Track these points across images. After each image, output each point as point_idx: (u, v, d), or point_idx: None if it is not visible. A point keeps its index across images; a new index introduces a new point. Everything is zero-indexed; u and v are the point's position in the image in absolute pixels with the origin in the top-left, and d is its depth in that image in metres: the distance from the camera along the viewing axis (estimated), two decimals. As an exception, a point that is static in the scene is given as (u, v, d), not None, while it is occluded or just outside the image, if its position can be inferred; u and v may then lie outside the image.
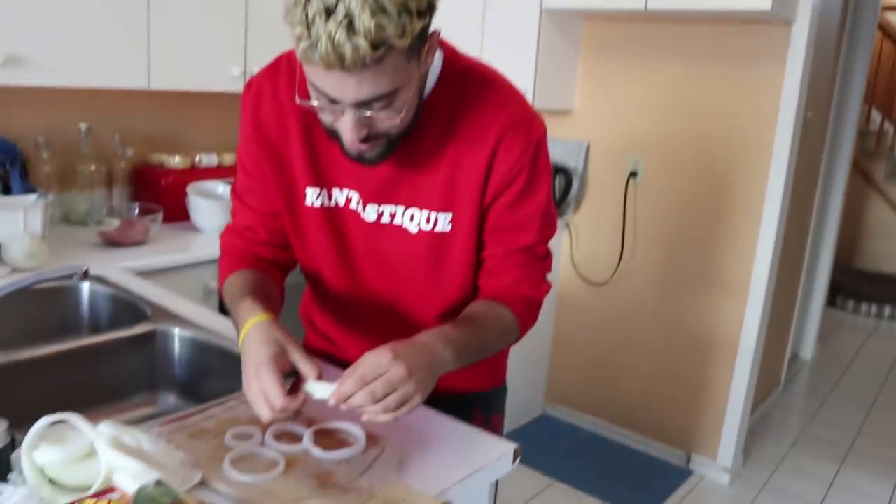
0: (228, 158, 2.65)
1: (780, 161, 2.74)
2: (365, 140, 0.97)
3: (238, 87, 2.44)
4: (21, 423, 0.93)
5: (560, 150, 3.22)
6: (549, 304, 3.34)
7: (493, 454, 1.05)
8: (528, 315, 1.18)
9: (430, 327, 1.16)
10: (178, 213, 2.40)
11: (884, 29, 6.04)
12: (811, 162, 3.59)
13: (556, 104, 3.13)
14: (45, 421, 0.87)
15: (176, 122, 2.69)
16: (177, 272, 2.06)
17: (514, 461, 1.07)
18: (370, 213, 1.13)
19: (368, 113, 0.93)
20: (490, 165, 1.07)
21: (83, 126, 2.34)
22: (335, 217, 1.16)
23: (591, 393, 3.34)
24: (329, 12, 0.83)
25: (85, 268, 1.34)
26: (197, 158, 2.55)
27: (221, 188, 2.47)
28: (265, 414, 0.94)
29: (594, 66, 3.13)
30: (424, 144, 1.07)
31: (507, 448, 1.07)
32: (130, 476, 0.84)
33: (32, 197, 1.97)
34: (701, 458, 3.06)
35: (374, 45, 0.84)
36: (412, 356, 0.93)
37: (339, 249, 1.19)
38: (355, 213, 1.14)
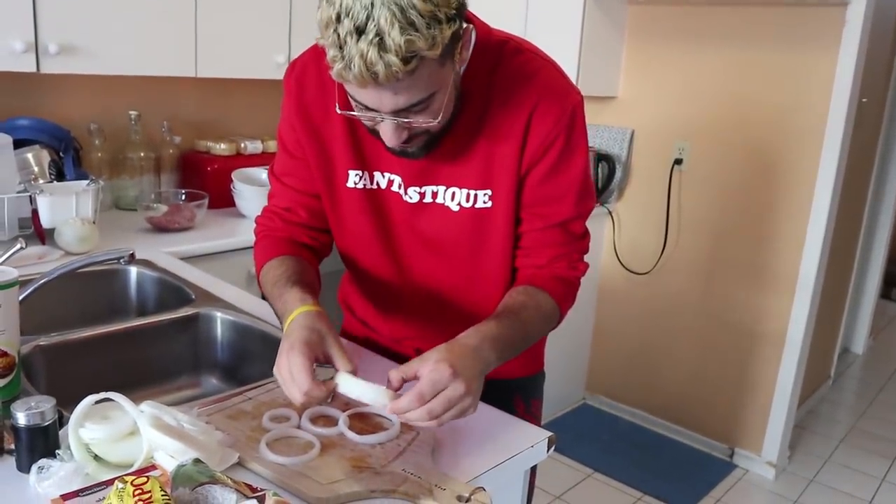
0: (273, 145, 2.68)
1: (832, 148, 2.66)
2: (406, 141, 0.99)
3: (282, 74, 2.45)
4: (69, 402, 0.97)
5: (604, 137, 3.18)
6: (590, 292, 3.32)
7: (528, 441, 1.05)
8: (566, 297, 1.17)
9: (470, 310, 1.17)
10: (223, 199, 2.44)
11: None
12: (865, 148, 3.48)
13: (601, 90, 3.09)
14: (90, 399, 0.90)
15: (222, 110, 2.73)
16: (221, 257, 2.10)
17: (548, 449, 1.07)
18: (412, 195, 1.14)
19: (407, 119, 0.94)
20: (525, 134, 1.07)
21: (133, 114, 2.39)
22: (376, 199, 1.17)
23: (633, 383, 3.31)
24: (360, 32, 0.84)
25: (131, 251, 1.37)
26: (242, 145, 2.59)
27: (265, 175, 2.50)
28: (292, 395, 0.96)
29: (639, 51, 3.08)
30: (463, 123, 1.08)
31: (541, 435, 1.07)
32: (170, 454, 0.86)
33: (84, 183, 2.03)
34: (745, 452, 3.01)
35: (406, 60, 0.85)
36: (468, 368, 0.93)
37: (379, 231, 1.19)
38: (397, 195, 1.15)
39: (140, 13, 2.11)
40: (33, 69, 1.93)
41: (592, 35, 2.89)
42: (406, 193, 1.14)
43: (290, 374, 0.95)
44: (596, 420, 3.32)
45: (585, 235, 1.19)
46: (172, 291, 1.64)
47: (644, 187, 3.15)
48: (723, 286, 2.99)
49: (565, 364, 3.29)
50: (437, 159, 1.10)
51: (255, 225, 1.29)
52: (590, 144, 3.12)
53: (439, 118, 0.97)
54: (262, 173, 2.50)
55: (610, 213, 3.22)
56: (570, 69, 2.82)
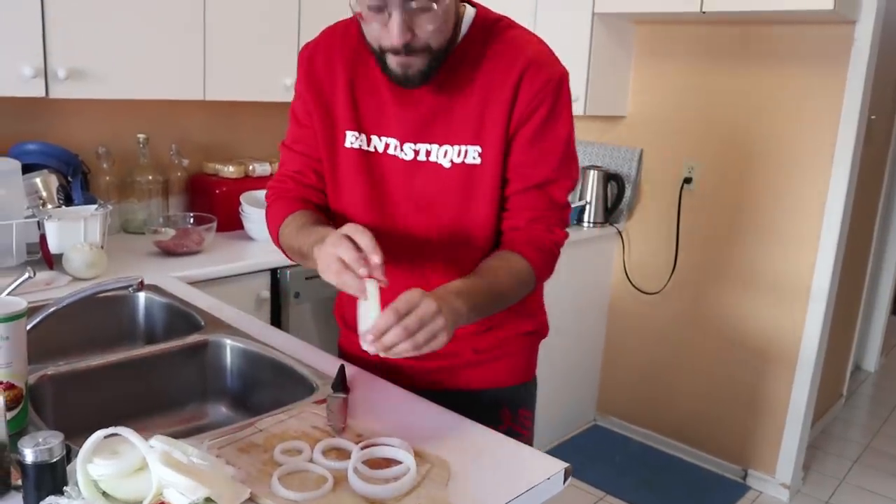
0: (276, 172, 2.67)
1: (842, 165, 2.65)
2: (409, 50, 1.07)
3: (290, 97, 2.45)
4: (76, 431, 0.95)
5: (613, 156, 3.17)
6: (600, 312, 3.30)
7: (544, 473, 1.03)
8: (542, 261, 1.22)
9: (457, 267, 1.24)
10: (231, 222, 2.43)
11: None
12: (875, 166, 3.46)
13: (609, 110, 3.08)
14: (99, 435, 0.88)
15: (230, 132, 2.73)
16: (230, 281, 2.08)
17: (564, 481, 1.05)
18: (408, 153, 1.22)
19: (413, 5, 1.03)
20: (515, 94, 1.16)
21: (141, 137, 2.40)
22: (372, 161, 1.25)
23: (644, 404, 3.28)
24: None
25: (140, 279, 1.36)
26: (250, 167, 2.58)
27: (267, 201, 2.49)
28: (331, 267, 1.00)
29: (647, 70, 3.07)
30: (457, 83, 1.18)
31: (557, 467, 1.05)
32: (180, 492, 0.84)
33: (92, 207, 2.02)
34: (758, 473, 2.97)
35: None
36: (438, 297, 1.00)
37: (372, 191, 1.26)
38: (392, 157, 1.23)
39: (148, 37, 2.11)
40: (42, 94, 1.93)
41: (600, 55, 2.89)
42: (402, 151, 1.22)
43: (330, 256, 1.01)
44: (607, 441, 3.29)
45: (566, 206, 1.25)
46: (181, 317, 1.63)
47: (654, 206, 3.13)
48: (734, 305, 2.97)
49: (575, 384, 3.26)
50: (433, 114, 1.19)
51: (266, 191, 1.38)
52: (599, 164, 3.14)
53: (440, 24, 1.06)
54: (270, 196, 2.49)
55: (620, 232, 3.20)
56: (577, 89, 2.84)
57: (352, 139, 1.25)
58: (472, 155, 1.19)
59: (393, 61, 1.10)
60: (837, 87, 2.63)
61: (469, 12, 1.21)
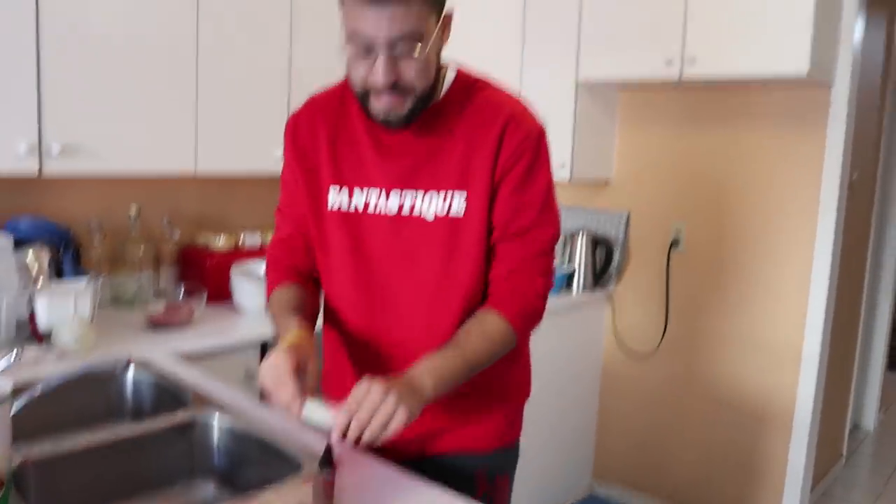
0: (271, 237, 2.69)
1: (826, 224, 2.68)
2: (394, 90, 1.13)
3: (280, 168, 2.50)
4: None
5: (600, 221, 3.20)
6: (593, 377, 3.28)
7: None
8: (521, 316, 1.24)
9: (440, 321, 1.27)
10: (222, 294, 2.44)
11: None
12: (860, 222, 3.51)
13: (595, 174, 3.13)
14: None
15: (221, 204, 2.76)
16: (220, 355, 2.07)
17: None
18: (392, 204, 1.26)
19: (398, 51, 1.10)
20: (500, 142, 1.21)
21: (133, 210, 2.42)
22: (354, 222, 1.29)
23: (641, 470, 3.23)
24: None
25: (128, 358, 1.36)
26: (241, 239, 2.60)
27: (264, 269, 2.50)
28: (267, 384, 1.11)
29: (631, 135, 3.14)
30: (440, 132, 1.23)
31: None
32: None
33: (83, 281, 2.03)
34: (760, 537, 2.91)
35: None
36: (390, 382, 1.07)
37: (356, 252, 1.29)
38: (375, 216, 1.27)
39: (142, 113, 2.16)
40: (35, 171, 1.96)
41: (585, 121, 2.95)
42: (387, 200, 1.26)
43: (275, 368, 1.11)
44: (605, 507, 3.22)
45: (548, 254, 1.28)
46: (169, 394, 1.62)
47: (642, 269, 3.16)
48: (727, 366, 2.96)
49: (570, 450, 3.21)
50: (417, 162, 1.24)
51: (266, 255, 1.47)
52: (587, 227, 3.17)
53: (424, 65, 1.13)
54: (261, 267, 2.50)
55: (609, 297, 3.22)
56: (563, 155, 2.89)
57: (334, 196, 1.30)
58: (458, 202, 1.22)
59: (377, 102, 1.15)
60: (818, 148, 2.68)
61: (451, 70, 1.28)
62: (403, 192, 1.25)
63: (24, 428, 1.16)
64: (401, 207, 1.25)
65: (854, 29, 2.59)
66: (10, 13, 1.88)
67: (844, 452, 3.81)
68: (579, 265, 3.10)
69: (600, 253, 3.11)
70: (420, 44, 1.11)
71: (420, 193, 1.24)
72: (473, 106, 1.24)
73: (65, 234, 2.19)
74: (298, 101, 2.49)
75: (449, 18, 1.18)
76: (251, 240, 2.62)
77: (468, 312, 1.26)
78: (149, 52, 2.15)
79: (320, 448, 1.22)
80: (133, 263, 2.45)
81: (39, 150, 1.96)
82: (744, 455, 2.93)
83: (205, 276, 2.47)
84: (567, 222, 3.23)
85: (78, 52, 2.01)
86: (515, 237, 1.24)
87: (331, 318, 1.40)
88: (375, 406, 1.03)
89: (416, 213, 1.24)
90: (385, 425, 1.03)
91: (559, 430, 3.08)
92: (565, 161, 2.90)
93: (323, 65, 2.45)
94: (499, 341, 1.22)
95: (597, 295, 3.15)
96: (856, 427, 4.20)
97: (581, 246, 3.09)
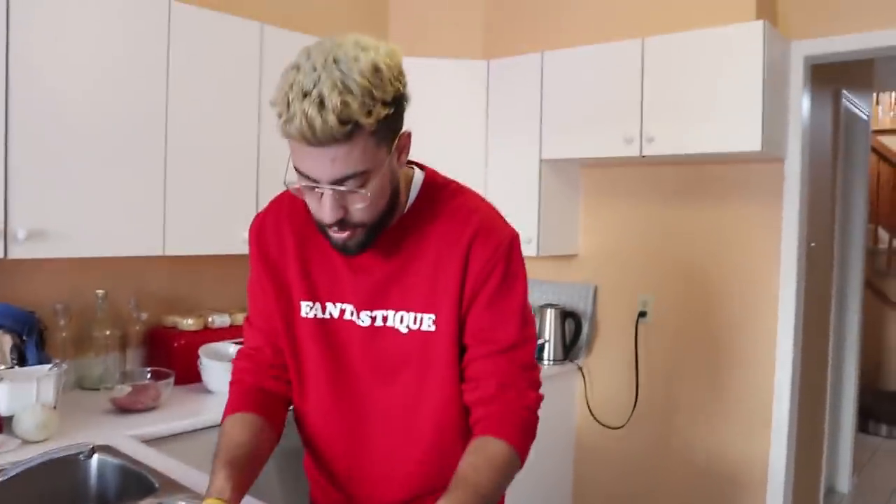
0: (240, 318, 2.68)
1: (788, 291, 2.75)
2: (343, 226, 1.09)
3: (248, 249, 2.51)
4: None
5: (567, 294, 3.25)
6: (567, 449, 3.26)
7: None
8: (521, 435, 1.18)
9: (419, 431, 1.22)
10: (190, 375, 2.41)
11: (878, 152, 6.20)
12: (821, 287, 3.59)
13: (561, 249, 3.19)
14: None
15: (190, 285, 2.76)
16: (187, 437, 2.04)
17: None
18: (364, 320, 1.22)
19: (343, 188, 1.04)
20: (466, 264, 1.17)
21: (100, 293, 2.40)
22: (329, 328, 1.24)
23: (619, 541, 3.18)
24: (305, 94, 0.97)
25: (91, 446, 1.34)
26: (210, 319, 2.59)
27: (232, 348, 2.48)
28: None
29: (595, 209, 3.22)
30: (409, 249, 1.19)
31: None
32: None
33: (46, 368, 2.00)
34: None
35: (342, 121, 0.97)
36: None
37: (331, 360, 1.25)
38: (349, 322, 1.23)
39: (110, 196, 2.16)
40: (1, 255, 1.94)
41: (549, 196, 3.03)
42: (359, 318, 1.22)
43: None
44: (584, 584, 3.16)
45: (534, 367, 1.23)
46: (135, 479, 1.58)
47: (611, 341, 3.19)
48: (699, 434, 2.97)
49: (547, 525, 3.16)
50: (387, 281, 1.20)
51: (231, 367, 1.37)
52: (555, 302, 3.20)
53: (373, 200, 1.07)
54: (229, 347, 2.49)
55: (580, 368, 3.23)
56: (529, 231, 2.95)
57: (306, 309, 1.25)
58: (427, 323, 1.19)
59: (331, 233, 1.11)
60: (775, 219, 2.77)
61: (417, 177, 1.23)
62: (374, 311, 1.21)
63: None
64: (373, 320, 1.22)
65: (802, 105, 2.72)
66: (-21, 101, 1.90)
67: (820, 518, 3.79)
68: (549, 338, 3.11)
69: (569, 325, 3.14)
70: (369, 181, 1.05)
71: (391, 312, 1.21)
72: (442, 218, 1.20)
73: (29, 318, 2.17)
74: (267, 182, 2.57)
75: (406, 138, 1.11)
76: (220, 320, 2.61)
77: (445, 423, 1.23)
78: (117, 135, 2.18)
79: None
80: (99, 346, 2.41)
81: (4, 235, 1.95)
82: (720, 525, 2.91)
83: (172, 358, 2.44)
84: (535, 295, 3.26)
85: (45, 137, 2.03)
86: (499, 354, 1.18)
87: (308, 434, 1.34)
88: None
89: (389, 324, 1.21)
90: None
91: (534, 502, 3.04)
92: (532, 236, 2.96)
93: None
94: (507, 469, 1.15)
95: (567, 367, 3.16)
96: (830, 490, 4.19)
97: (550, 319, 3.12)
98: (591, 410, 3.23)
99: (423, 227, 1.19)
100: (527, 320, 1.22)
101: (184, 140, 2.34)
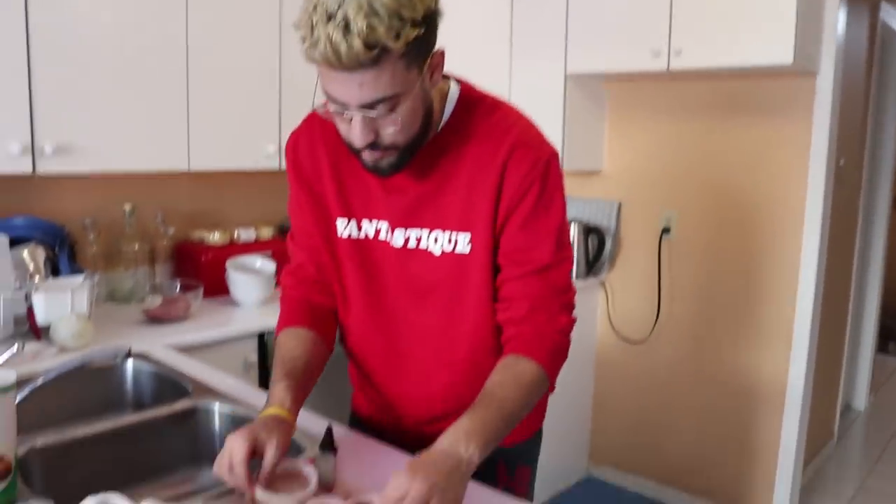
0: (266, 232, 2.72)
1: (814, 209, 2.72)
2: (374, 148, 1.06)
3: (273, 164, 2.53)
4: (68, 501, 0.96)
5: (591, 210, 3.24)
6: (588, 363, 3.32)
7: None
8: (551, 356, 1.17)
9: (451, 351, 1.23)
10: (218, 288, 2.46)
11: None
12: (848, 206, 3.55)
13: (586, 165, 3.16)
14: (88, 501, 0.90)
15: (215, 200, 2.78)
16: (217, 347, 2.10)
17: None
18: (398, 239, 1.21)
19: (373, 114, 1.00)
20: (500, 183, 1.13)
21: (127, 207, 2.43)
22: (364, 248, 1.25)
23: (636, 453, 3.27)
24: (329, 17, 0.93)
25: (127, 349, 1.38)
26: (236, 234, 2.62)
27: (259, 262, 2.53)
28: (218, 466, 1.02)
29: (620, 125, 3.17)
30: (444, 167, 1.16)
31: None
32: (171, 556, 0.85)
33: (79, 278, 2.05)
34: (754, 517, 2.95)
35: (368, 45, 0.93)
36: (431, 469, 0.95)
37: (368, 279, 1.26)
38: (384, 243, 1.22)
39: (134, 111, 2.17)
40: (29, 170, 1.97)
41: (574, 112, 2.98)
42: (393, 237, 1.21)
43: (228, 451, 1.02)
44: (601, 492, 3.26)
45: (568, 289, 1.20)
46: (169, 384, 1.64)
47: (634, 257, 3.19)
48: (719, 350, 3.00)
49: (567, 436, 3.25)
50: (421, 199, 1.17)
51: (280, 281, 1.39)
52: (578, 218, 3.20)
53: (404, 123, 1.03)
54: (256, 261, 2.53)
55: (603, 284, 3.25)
56: (554, 146, 2.91)
57: (342, 227, 1.25)
58: (462, 243, 1.17)
59: (363, 155, 1.09)
60: (804, 135, 2.72)
61: (453, 91, 1.18)
62: (408, 230, 1.20)
63: (26, 419, 1.18)
64: (407, 240, 1.20)
65: (837, 18, 2.62)
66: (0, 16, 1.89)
67: (836, 432, 3.86)
68: (573, 254, 3.12)
69: (593, 241, 3.14)
70: (400, 104, 1.01)
71: (425, 231, 1.19)
72: (478, 136, 1.15)
73: (60, 232, 2.21)
74: (289, 98, 2.56)
75: (440, 56, 1.06)
76: (245, 235, 2.64)
77: (479, 344, 1.23)
78: (139, 50, 2.17)
79: (320, 431, 1.25)
80: (128, 260, 2.46)
81: (32, 150, 1.97)
82: (738, 435, 2.97)
83: (200, 272, 2.49)
84: (558, 212, 3.25)
85: (68, 54, 2.03)
86: (532, 275, 1.16)
87: (350, 347, 1.38)
88: (416, 500, 0.91)
89: (422, 246, 1.20)
90: None
91: (555, 416, 3.09)
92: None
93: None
94: (536, 387, 1.15)
95: (590, 282, 3.18)
96: (847, 408, 4.25)
97: (574, 235, 3.12)
98: (612, 325, 3.26)
99: (459, 145, 1.16)
100: (563, 242, 1.18)
101: (205, 56, 2.32)
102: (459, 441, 1.01)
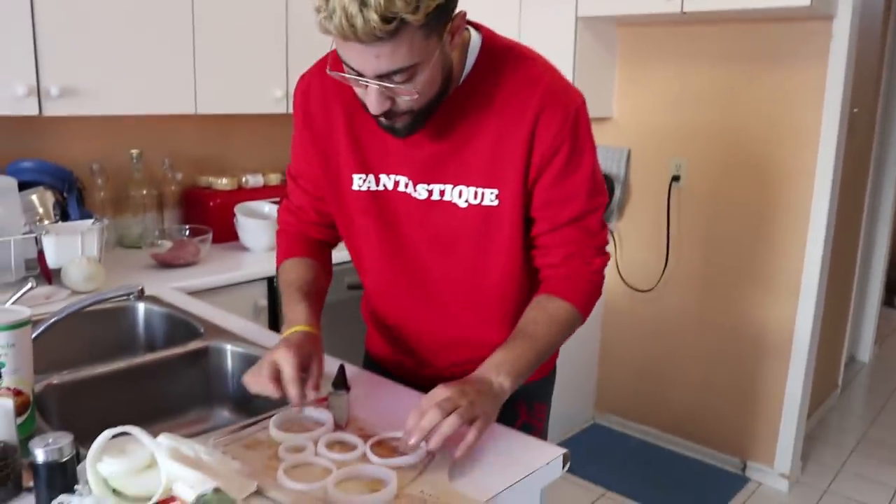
0: (274, 178, 2.71)
1: (826, 158, 2.69)
2: (390, 115, 1.03)
3: (280, 108, 2.50)
4: (82, 438, 0.97)
5: (601, 157, 3.21)
6: (595, 312, 3.30)
7: (542, 459, 1.05)
8: (583, 295, 1.19)
9: (477, 302, 1.24)
10: (226, 234, 2.46)
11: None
12: (860, 157, 3.51)
13: (595, 111, 3.09)
14: (107, 434, 0.91)
15: (222, 145, 2.76)
16: (227, 291, 2.11)
17: (563, 467, 1.07)
18: (420, 193, 1.18)
19: (390, 85, 0.97)
20: (531, 141, 1.10)
21: (134, 152, 2.42)
22: (383, 200, 1.21)
23: (642, 401, 3.30)
24: None
25: (140, 287, 1.39)
26: (243, 179, 2.61)
27: (268, 208, 2.52)
28: (260, 384, 1.05)
29: (631, 71, 3.12)
30: (467, 122, 1.12)
31: (556, 453, 1.07)
32: (189, 485, 0.86)
33: (89, 222, 2.05)
34: (757, 465, 2.99)
35: (385, 19, 0.89)
36: (464, 385, 1.01)
37: (387, 231, 1.23)
38: (405, 194, 1.19)
39: (139, 53, 2.14)
40: (35, 112, 1.95)
41: (584, 57, 2.93)
42: (415, 191, 1.18)
43: (277, 363, 1.05)
44: (606, 439, 3.31)
45: (601, 231, 1.20)
46: (181, 326, 1.65)
47: (643, 205, 3.17)
48: (726, 299, 3.00)
49: (573, 384, 3.28)
50: (443, 154, 1.14)
51: (277, 216, 1.41)
52: (587, 164, 3.17)
53: (422, 91, 1.00)
54: (264, 206, 2.52)
55: (611, 232, 3.24)
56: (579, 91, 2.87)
57: (359, 182, 1.21)
58: (489, 198, 1.14)
59: (378, 117, 1.06)
60: (818, 82, 2.67)
61: (474, 41, 1.13)
62: (430, 185, 1.17)
63: (43, 359, 1.19)
64: (430, 193, 1.17)
65: (857, -42, 2.56)
66: (4, -49, 1.85)
67: (840, 383, 3.89)
68: (580, 202, 3.11)
69: (601, 190, 3.12)
70: (417, 74, 0.98)
71: (448, 186, 1.16)
72: (503, 89, 1.11)
73: (69, 176, 2.20)
74: (296, 41, 2.52)
75: (461, 19, 1.02)
76: (253, 180, 2.63)
77: (509, 293, 1.23)
78: (144, -10, 2.13)
79: (332, 370, 1.25)
80: (136, 206, 2.46)
81: (38, 92, 1.95)
82: (743, 385, 3.00)
83: (208, 217, 2.48)
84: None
85: (72, -6, 1.99)
86: (566, 225, 1.16)
87: (366, 287, 1.38)
88: (444, 408, 0.96)
89: (446, 199, 1.17)
90: (460, 427, 0.96)
91: (562, 364, 3.11)
92: (565, 98, 2.88)
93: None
94: (567, 325, 1.18)
95: (597, 232, 3.16)
96: (852, 359, 4.28)
97: (582, 182, 3.10)
98: (620, 273, 3.26)
99: (483, 98, 1.11)
100: (596, 189, 1.17)
101: (210, -5, 2.28)
102: (491, 370, 1.06)
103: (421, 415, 0.97)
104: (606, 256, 1.22)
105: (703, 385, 3.11)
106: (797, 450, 2.95)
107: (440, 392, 0.99)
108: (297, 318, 1.17)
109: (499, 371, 1.06)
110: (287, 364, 1.05)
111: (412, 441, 0.96)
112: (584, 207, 1.16)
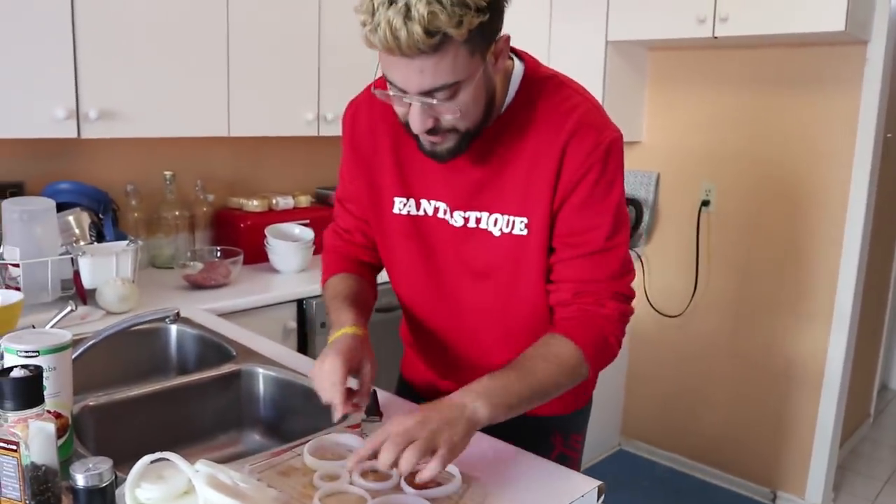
0: (304, 200, 2.73)
1: (860, 184, 2.66)
2: (433, 133, 1.04)
3: (312, 130, 2.53)
4: (118, 460, 0.98)
5: (629, 181, 3.20)
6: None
7: (577, 491, 1.04)
8: (591, 340, 1.12)
9: (507, 333, 1.23)
10: (257, 255, 2.48)
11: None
12: (894, 182, 3.46)
13: (625, 135, 3.09)
14: (146, 460, 0.91)
15: (253, 167, 2.79)
16: (257, 312, 2.12)
17: (598, 498, 1.06)
18: (457, 220, 1.19)
19: (433, 102, 0.98)
20: (560, 162, 1.10)
21: (168, 174, 2.45)
22: (421, 225, 1.22)
23: (669, 428, 3.26)
24: (391, 2, 0.91)
25: (176, 311, 1.40)
26: (274, 201, 2.64)
27: (298, 230, 2.54)
28: (323, 389, 1.08)
29: (661, 95, 3.11)
30: (505, 149, 1.13)
31: (591, 485, 1.06)
32: (227, 513, 0.87)
33: (123, 243, 2.08)
34: (788, 495, 2.94)
35: (428, 32, 0.90)
36: (429, 411, 0.98)
37: (424, 257, 1.24)
38: (443, 221, 1.20)
39: (175, 78, 2.18)
40: (74, 135, 1.99)
41: (615, 81, 2.93)
42: (452, 218, 1.19)
43: (327, 371, 1.08)
44: (633, 466, 3.27)
45: (624, 275, 1.16)
46: (213, 348, 1.66)
47: (672, 230, 3.15)
48: (756, 326, 2.96)
49: (599, 410, 3.22)
50: (482, 182, 1.15)
51: (323, 238, 1.44)
52: (615, 188, 3.16)
53: (465, 110, 1.01)
54: (294, 228, 2.54)
55: (639, 256, 3.22)
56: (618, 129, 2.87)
57: (400, 205, 1.23)
58: (519, 227, 1.14)
59: (421, 138, 1.07)
60: (852, 107, 2.65)
61: (517, 70, 1.14)
62: (468, 212, 1.18)
63: (77, 378, 1.20)
64: (466, 220, 1.18)
65: (891, -17, 2.54)
66: (47, -21, 1.90)
67: (872, 412, 3.81)
68: (609, 226, 3.09)
69: (630, 213, 3.11)
70: (460, 91, 0.99)
71: (485, 214, 1.16)
72: (540, 117, 1.11)
73: (104, 197, 2.24)
74: (328, 64, 2.55)
75: (504, 42, 1.03)
76: (284, 202, 2.65)
77: (538, 325, 1.19)
78: (181, 16, 2.17)
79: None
80: (169, 226, 2.49)
81: (77, 115, 1.99)
82: (773, 413, 2.95)
83: (239, 238, 2.51)
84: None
85: (112, 20, 2.03)
86: (581, 258, 1.13)
87: (404, 310, 1.39)
88: (409, 434, 0.93)
89: (482, 226, 1.17)
90: (422, 456, 0.92)
91: (588, 391, 3.12)
92: (595, 122, 2.89)
93: (353, 30, 2.45)
94: (566, 367, 1.10)
95: (626, 256, 3.15)
96: (884, 387, 4.19)
97: (611, 207, 3.09)
98: (648, 298, 3.24)
99: (521, 127, 1.12)
100: (619, 227, 1.13)
101: (245, 23, 2.31)
102: (468, 395, 1.01)
103: (374, 444, 0.94)
104: (626, 306, 1.16)
105: (732, 412, 3.06)
106: (829, 480, 2.89)
107: (398, 423, 0.94)
108: (344, 321, 1.18)
109: (477, 397, 1.00)
110: (331, 372, 1.08)
111: (349, 465, 0.98)
112: (602, 243, 1.12)
